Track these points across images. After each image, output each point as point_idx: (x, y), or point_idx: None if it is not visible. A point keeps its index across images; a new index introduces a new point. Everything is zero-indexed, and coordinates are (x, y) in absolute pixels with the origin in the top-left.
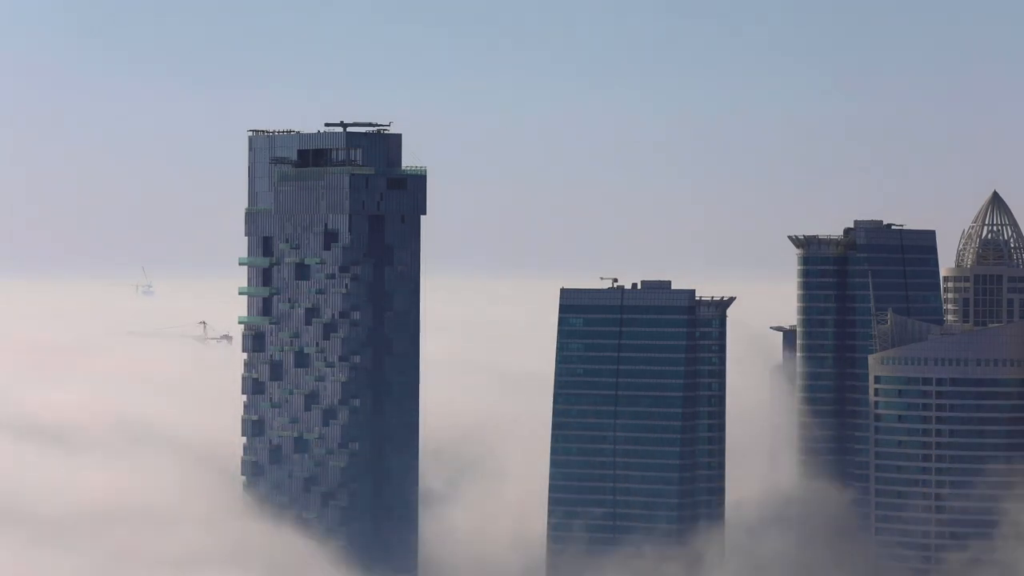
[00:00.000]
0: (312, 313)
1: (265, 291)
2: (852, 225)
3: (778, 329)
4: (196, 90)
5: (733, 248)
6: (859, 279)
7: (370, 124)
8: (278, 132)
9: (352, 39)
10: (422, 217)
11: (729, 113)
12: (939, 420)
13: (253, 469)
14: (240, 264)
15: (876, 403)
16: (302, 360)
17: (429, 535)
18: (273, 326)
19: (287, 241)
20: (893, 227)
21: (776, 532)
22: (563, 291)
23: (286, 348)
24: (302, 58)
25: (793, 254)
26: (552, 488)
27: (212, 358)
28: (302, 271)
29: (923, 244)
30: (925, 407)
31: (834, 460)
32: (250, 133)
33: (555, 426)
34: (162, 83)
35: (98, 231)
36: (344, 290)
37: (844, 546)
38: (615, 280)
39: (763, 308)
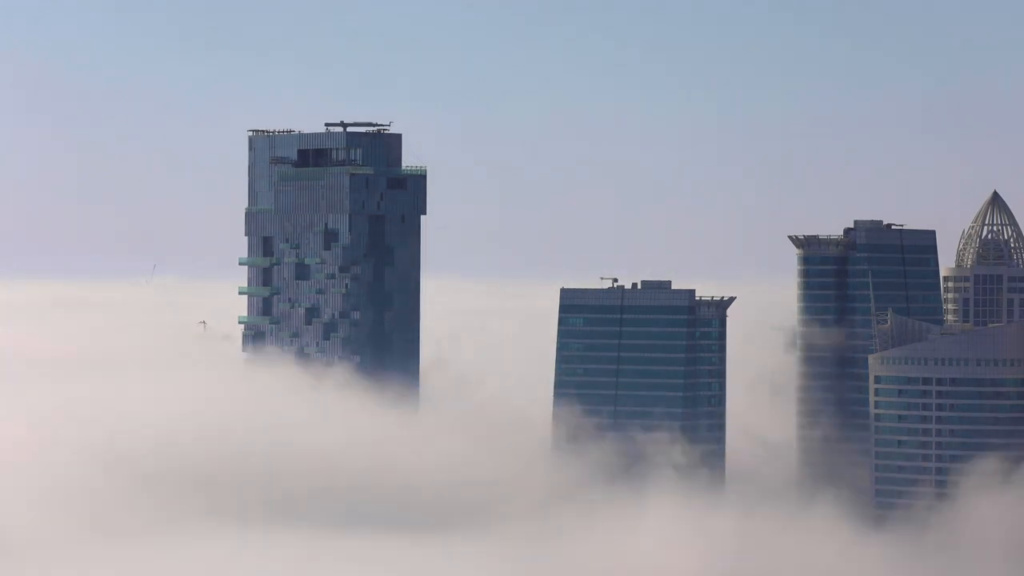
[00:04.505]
0: (312, 313)
1: (265, 291)
2: (852, 225)
3: (778, 329)
4: (196, 90)
5: (733, 248)
6: (859, 279)
7: (370, 124)
8: (278, 132)
9: (352, 39)
10: (422, 217)
11: (729, 113)
12: (939, 420)
13: None
14: (240, 264)
15: (876, 403)
16: (302, 360)
17: None
18: (273, 326)
19: (287, 241)
20: (893, 227)
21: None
22: (563, 291)
23: (286, 348)
24: (302, 58)
25: (793, 254)
26: None
27: None
28: (302, 271)
29: (923, 244)
30: (925, 407)
31: (834, 460)
32: (250, 133)
33: (555, 425)
34: (162, 82)
35: (97, 231)
36: (344, 290)
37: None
38: (615, 280)
39: (763, 308)
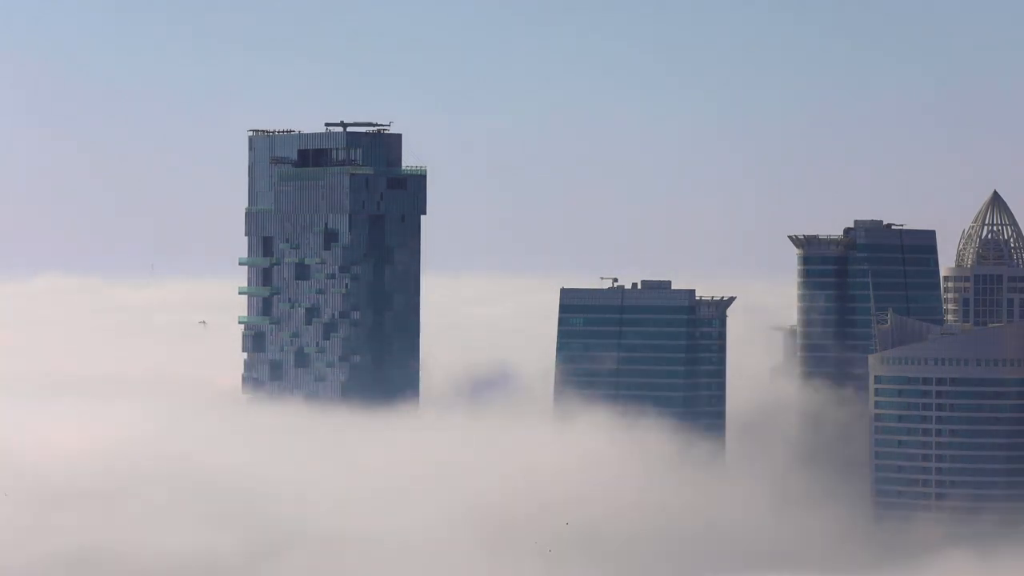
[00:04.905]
0: (312, 313)
1: (265, 291)
2: (852, 225)
3: (778, 329)
4: (196, 90)
5: (733, 248)
6: (859, 279)
7: (370, 124)
8: (278, 132)
9: (352, 39)
10: (422, 217)
11: (729, 113)
12: (939, 420)
13: None
14: (240, 264)
15: (876, 403)
16: (302, 360)
17: None
18: (273, 326)
19: (287, 241)
20: (893, 227)
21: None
22: (563, 291)
23: (286, 348)
24: (302, 58)
25: (793, 254)
26: None
27: None
28: (302, 271)
29: (923, 244)
30: (925, 407)
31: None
32: (250, 133)
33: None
34: (162, 82)
35: (96, 230)
36: (344, 290)
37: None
38: (615, 280)
39: (763, 308)
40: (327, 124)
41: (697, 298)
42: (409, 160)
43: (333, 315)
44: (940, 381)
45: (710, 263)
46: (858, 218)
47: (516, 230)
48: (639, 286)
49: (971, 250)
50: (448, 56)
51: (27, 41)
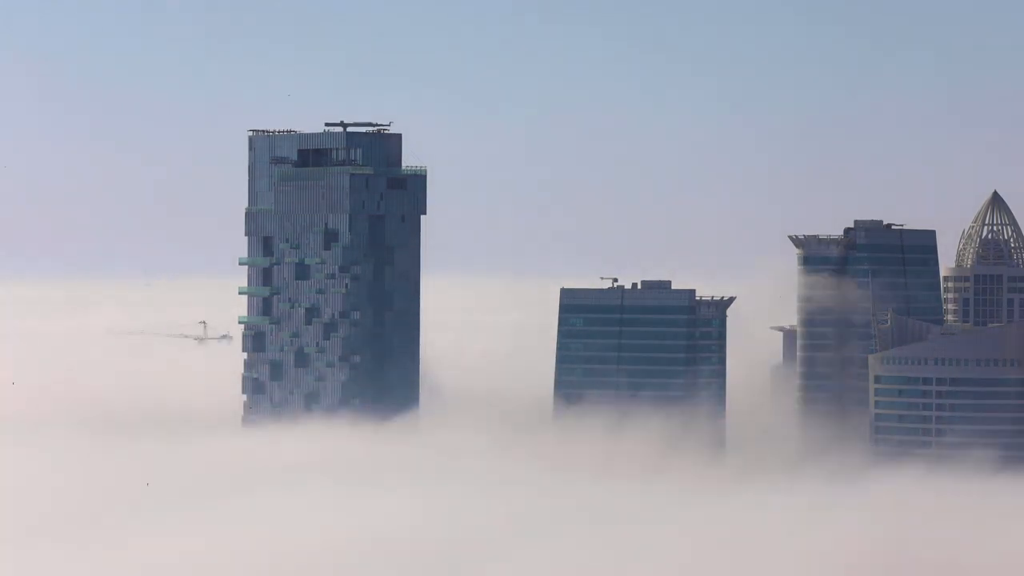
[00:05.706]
0: (312, 313)
1: (265, 291)
2: (852, 225)
3: (778, 329)
4: (196, 90)
5: (733, 248)
6: (859, 279)
7: (370, 124)
8: (278, 132)
9: (352, 39)
10: (422, 217)
11: (729, 113)
12: (939, 420)
13: None
14: (240, 264)
15: (876, 403)
16: (302, 360)
17: None
18: (273, 326)
19: (287, 241)
20: (893, 227)
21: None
22: (563, 291)
23: (286, 348)
24: (302, 58)
25: (793, 254)
26: None
27: None
28: (302, 271)
29: (923, 244)
30: (925, 407)
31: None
32: (250, 133)
33: (555, 425)
34: (162, 82)
35: (96, 230)
36: (344, 290)
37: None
38: (615, 280)
39: (763, 308)
40: (327, 124)
41: (697, 298)
42: (409, 160)
43: (333, 315)
44: (940, 381)
45: (710, 263)
46: (858, 218)
47: (516, 230)
48: (639, 286)
49: (971, 250)
50: (448, 56)
51: (27, 42)
